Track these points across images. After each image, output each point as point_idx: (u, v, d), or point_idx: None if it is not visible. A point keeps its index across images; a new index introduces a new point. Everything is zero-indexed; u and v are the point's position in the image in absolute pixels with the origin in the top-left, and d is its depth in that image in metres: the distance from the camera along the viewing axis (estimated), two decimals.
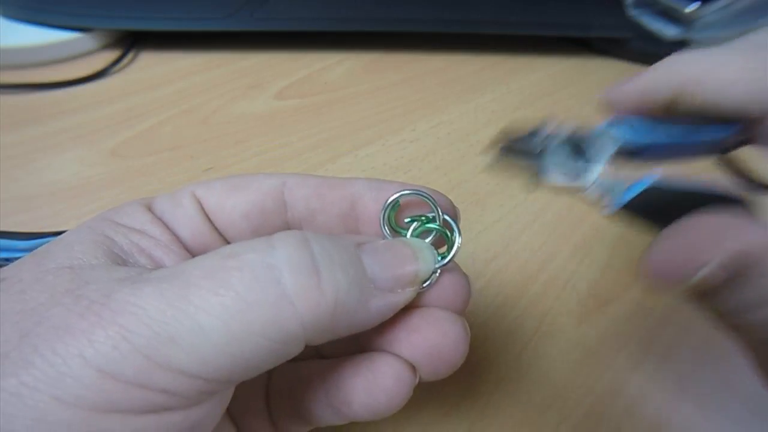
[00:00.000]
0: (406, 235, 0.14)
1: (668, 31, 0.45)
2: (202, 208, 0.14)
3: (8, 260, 0.21)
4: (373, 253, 0.12)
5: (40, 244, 0.21)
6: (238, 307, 0.10)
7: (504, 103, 0.38)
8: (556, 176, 0.13)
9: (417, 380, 0.14)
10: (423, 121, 0.35)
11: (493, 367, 0.21)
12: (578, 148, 0.13)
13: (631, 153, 0.13)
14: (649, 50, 0.45)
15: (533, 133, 0.13)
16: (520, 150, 0.13)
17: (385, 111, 0.35)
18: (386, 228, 0.14)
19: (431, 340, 0.13)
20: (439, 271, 0.13)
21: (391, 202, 0.14)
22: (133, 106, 0.33)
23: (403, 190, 0.14)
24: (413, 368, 0.14)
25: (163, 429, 0.10)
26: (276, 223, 0.15)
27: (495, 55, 0.44)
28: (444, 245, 0.14)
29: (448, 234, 0.14)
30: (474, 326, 0.22)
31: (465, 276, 0.14)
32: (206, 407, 0.11)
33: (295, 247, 0.11)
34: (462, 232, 0.14)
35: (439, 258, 0.13)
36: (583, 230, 0.28)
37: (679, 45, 0.45)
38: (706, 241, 0.11)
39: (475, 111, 0.36)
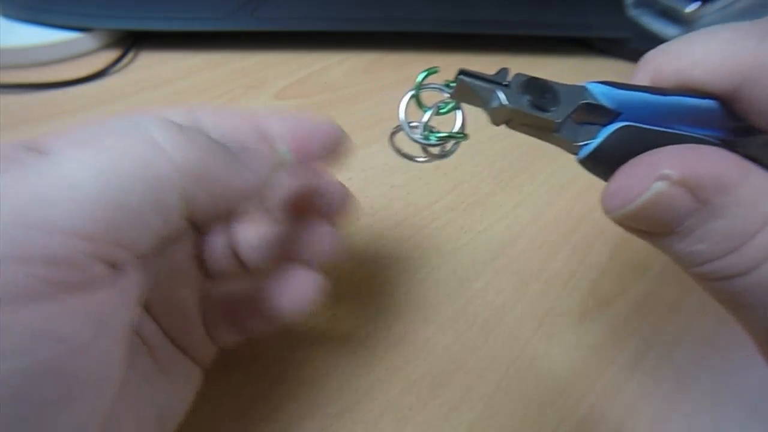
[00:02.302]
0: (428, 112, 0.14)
1: (668, 31, 0.45)
2: None
3: None
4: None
5: None
6: (109, 155, 0.10)
7: None
8: (523, 104, 0.12)
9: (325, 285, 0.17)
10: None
11: (493, 367, 0.21)
12: (547, 89, 0.12)
13: (605, 111, 0.12)
14: (649, 50, 0.45)
15: (497, 72, 0.12)
16: (485, 79, 0.12)
17: (385, 111, 0.35)
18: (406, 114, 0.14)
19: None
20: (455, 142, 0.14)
21: (417, 84, 0.14)
22: (133, 106, 0.33)
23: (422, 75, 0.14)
24: (320, 275, 0.17)
25: (67, 318, 0.09)
26: None
27: (495, 55, 0.44)
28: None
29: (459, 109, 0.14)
30: (474, 326, 0.22)
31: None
32: (108, 294, 0.10)
33: (159, 117, 0.12)
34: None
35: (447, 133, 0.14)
36: (583, 230, 0.28)
37: None
38: (658, 163, 0.10)
39: (475, 111, 0.36)
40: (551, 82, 0.12)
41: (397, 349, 0.21)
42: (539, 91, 0.12)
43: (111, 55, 0.37)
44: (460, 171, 0.31)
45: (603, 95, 0.12)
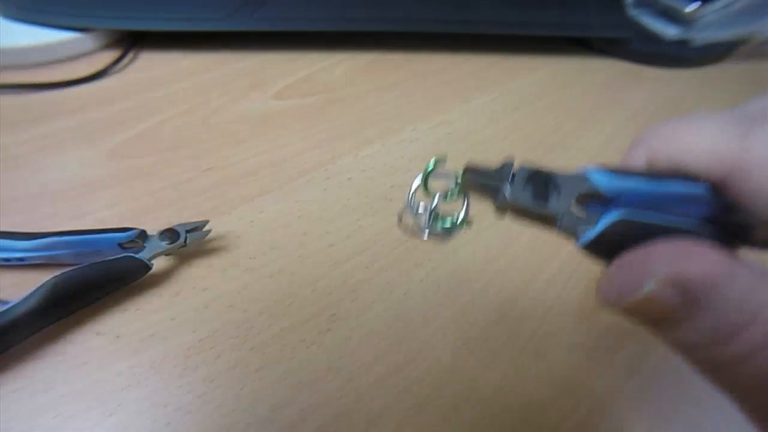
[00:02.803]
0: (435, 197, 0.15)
1: (668, 31, 0.45)
2: None
3: (8, 260, 0.21)
4: None
5: (40, 245, 0.21)
6: None
7: (504, 103, 0.38)
8: (526, 199, 0.12)
9: None
10: (423, 121, 0.35)
11: (493, 367, 0.21)
12: (549, 180, 0.13)
13: (601, 200, 0.13)
14: (649, 50, 0.45)
15: (502, 166, 0.13)
16: (489, 175, 0.13)
17: (385, 111, 0.35)
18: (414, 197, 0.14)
19: None
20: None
21: (426, 171, 0.14)
22: (133, 106, 0.33)
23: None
24: None
25: None
26: None
27: (495, 55, 0.44)
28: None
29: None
30: (474, 326, 0.22)
31: None
32: None
33: None
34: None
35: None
36: None
37: (679, 45, 0.45)
38: (649, 263, 0.11)
39: (475, 111, 0.36)
40: (554, 172, 0.13)
41: (398, 349, 0.21)
42: (542, 183, 0.13)
43: (111, 55, 0.37)
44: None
45: (603, 182, 0.13)
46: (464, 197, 0.14)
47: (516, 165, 0.13)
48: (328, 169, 0.30)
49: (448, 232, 0.14)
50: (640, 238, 0.12)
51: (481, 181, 0.13)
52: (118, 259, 0.21)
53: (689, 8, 0.44)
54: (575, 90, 0.41)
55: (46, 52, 0.36)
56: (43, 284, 0.18)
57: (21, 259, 0.21)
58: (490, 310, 0.23)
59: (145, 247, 0.22)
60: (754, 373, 0.10)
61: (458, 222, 0.14)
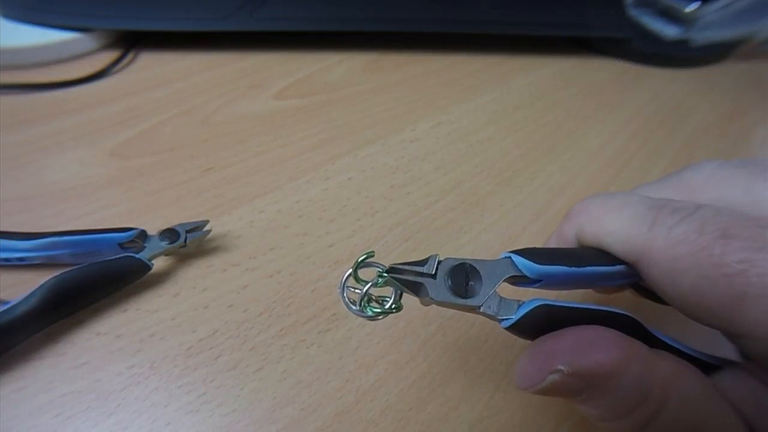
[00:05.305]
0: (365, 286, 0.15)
1: (668, 31, 0.45)
2: None
3: (8, 260, 0.21)
4: None
5: (40, 245, 0.21)
6: None
7: (504, 103, 0.38)
8: (446, 295, 0.13)
9: None
10: (423, 121, 0.35)
11: (493, 367, 0.21)
12: (471, 271, 0.14)
13: (527, 281, 0.14)
14: (649, 50, 0.45)
15: (425, 261, 0.14)
16: (413, 272, 0.14)
17: (385, 111, 0.35)
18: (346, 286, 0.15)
19: None
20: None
21: (356, 264, 0.15)
22: (133, 106, 0.33)
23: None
24: None
25: None
26: None
27: (495, 55, 0.44)
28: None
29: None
30: (474, 327, 0.22)
31: None
32: None
33: None
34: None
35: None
36: None
37: (679, 45, 0.45)
38: (554, 356, 0.12)
39: (475, 111, 0.36)
40: (476, 263, 0.14)
41: (397, 349, 0.21)
42: (464, 275, 0.14)
43: (111, 55, 0.37)
44: (460, 171, 0.31)
45: (526, 268, 0.14)
46: (394, 288, 0.15)
47: (441, 258, 0.14)
48: (328, 169, 0.30)
49: (377, 316, 0.15)
50: (555, 321, 0.13)
51: (405, 278, 0.14)
52: (118, 259, 0.21)
53: (689, 8, 0.44)
54: (575, 90, 0.41)
55: (46, 52, 0.36)
56: (43, 284, 0.18)
57: (21, 259, 0.21)
58: None
59: (145, 247, 0.22)
60: None
61: (386, 308, 0.15)
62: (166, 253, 0.22)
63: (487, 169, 0.31)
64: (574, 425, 0.19)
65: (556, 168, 0.32)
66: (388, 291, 0.15)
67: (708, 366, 0.14)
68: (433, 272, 0.14)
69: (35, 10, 0.37)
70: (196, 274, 0.23)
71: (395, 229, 0.26)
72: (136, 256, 0.21)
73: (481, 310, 0.14)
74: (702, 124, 0.38)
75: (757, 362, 0.13)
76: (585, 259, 0.14)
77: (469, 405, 0.20)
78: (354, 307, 0.15)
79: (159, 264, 0.23)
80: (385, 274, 0.14)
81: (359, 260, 0.15)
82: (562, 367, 0.12)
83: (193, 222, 0.23)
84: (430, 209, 0.28)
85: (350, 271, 0.15)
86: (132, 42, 0.39)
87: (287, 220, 0.26)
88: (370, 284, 0.15)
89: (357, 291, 0.15)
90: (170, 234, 0.22)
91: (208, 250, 0.24)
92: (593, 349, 0.12)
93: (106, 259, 0.20)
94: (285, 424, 0.18)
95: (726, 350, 0.14)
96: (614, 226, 0.14)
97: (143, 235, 0.22)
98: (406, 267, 0.14)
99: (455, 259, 0.14)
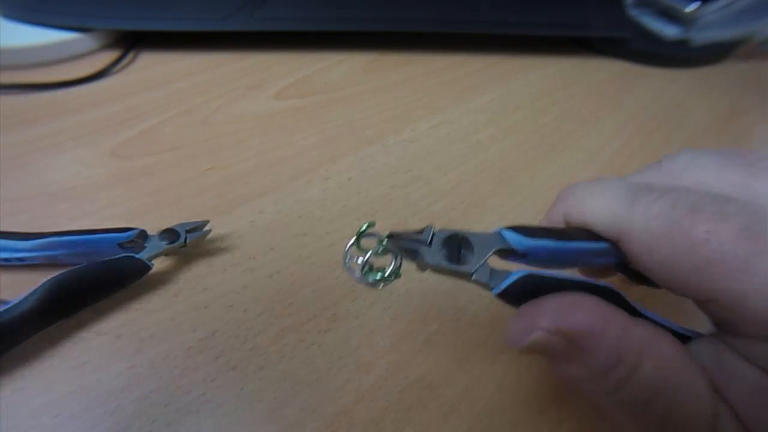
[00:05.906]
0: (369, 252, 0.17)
1: (668, 31, 0.45)
2: None
3: (8, 260, 0.21)
4: None
5: (40, 245, 0.21)
6: None
7: (504, 103, 0.38)
8: (441, 260, 0.14)
9: None
10: (423, 121, 0.35)
11: (493, 367, 0.21)
12: (464, 241, 0.15)
13: (516, 254, 0.15)
14: (649, 50, 0.45)
15: (422, 230, 0.15)
16: (409, 239, 0.15)
17: (385, 111, 0.35)
18: (349, 254, 0.17)
19: None
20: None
21: (358, 233, 0.17)
22: (133, 106, 0.33)
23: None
24: None
25: None
26: None
27: (495, 55, 0.44)
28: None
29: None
30: (474, 327, 0.22)
31: None
32: None
33: None
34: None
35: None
36: None
37: (678, 45, 0.45)
38: (538, 315, 0.14)
39: (475, 111, 0.36)
40: (468, 234, 0.15)
41: (397, 349, 0.21)
42: (457, 245, 0.15)
43: (111, 55, 0.37)
44: (460, 171, 0.31)
45: (514, 241, 0.15)
46: (393, 254, 0.16)
47: (436, 229, 0.15)
48: (328, 169, 0.30)
49: (379, 283, 0.17)
50: (542, 290, 0.14)
51: (403, 245, 0.15)
52: (118, 259, 0.21)
53: (689, 8, 0.44)
54: (575, 90, 0.41)
55: (46, 52, 0.36)
56: (43, 284, 0.18)
57: (21, 259, 0.21)
58: (490, 309, 0.23)
59: (145, 247, 0.22)
60: (625, 401, 0.13)
61: (386, 275, 0.16)
62: (166, 253, 0.22)
63: (487, 169, 0.31)
64: (574, 425, 0.19)
65: (556, 168, 0.32)
66: (388, 262, 0.16)
67: (684, 338, 0.15)
68: (429, 240, 0.15)
69: (35, 10, 0.37)
70: (196, 274, 0.23)
71: (396, 228, 0.26)
72: (136, 256, 0.21)
73: (474, 278, 0.15)
74: (701, 124, 0.38)
75: (723, 328, 0.13)
76: (571, 236, 0.15)
77: (469, 405, 0.20)
78: (357, 274, 0.16)
79: (159, 264, 0.23)
80: (385, 240, 0.15)
81: (361, 229, 0.16)
82: (546, 325, 0.13)
83: (193, 222, 0.23)
84: (430, 209, 0.28)
85: (353, 239, 0.16)
86: (132, 42, 0.39)
87: (287, 220, 0.26)
88: (371, 252, 0.16)
89: (359, 263, 0.16)
90: (170, 234, 0.22)
91: (208, 250, 0.24)
92: (575, 310, 0.13)
93: (106, 259, 0.20)
94: (285, 424, 0.18)
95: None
96: (597, 206, 0.15)
97: (143, 235, 0.22)
98: (405, 234, 0.15)
99: (449, 230, 0.15)
